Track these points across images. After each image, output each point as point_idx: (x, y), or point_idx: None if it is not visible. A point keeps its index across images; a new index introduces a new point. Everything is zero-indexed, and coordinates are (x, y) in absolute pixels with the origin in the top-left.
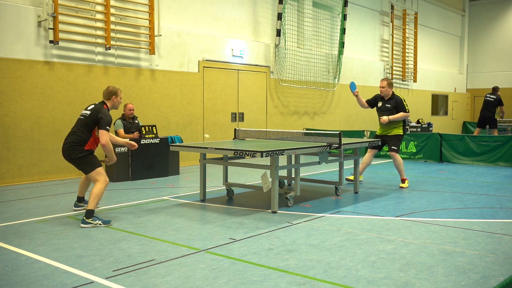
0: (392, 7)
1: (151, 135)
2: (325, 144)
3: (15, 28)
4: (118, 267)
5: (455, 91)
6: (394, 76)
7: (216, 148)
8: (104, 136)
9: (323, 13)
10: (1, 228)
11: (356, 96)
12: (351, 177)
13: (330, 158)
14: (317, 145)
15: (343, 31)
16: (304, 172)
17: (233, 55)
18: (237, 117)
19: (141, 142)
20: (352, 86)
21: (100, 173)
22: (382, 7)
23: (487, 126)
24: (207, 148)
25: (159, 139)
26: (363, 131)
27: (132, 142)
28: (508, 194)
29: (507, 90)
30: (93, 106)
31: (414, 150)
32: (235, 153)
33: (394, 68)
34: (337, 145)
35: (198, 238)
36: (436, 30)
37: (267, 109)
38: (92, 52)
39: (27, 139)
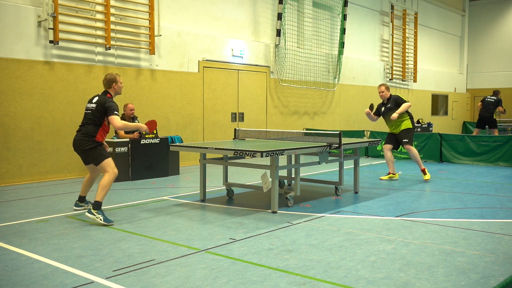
0: (392, 7)
1: (151, 135)
2: (325, 144)
3: (15, 28)
4: (118, 267)
5: (455, 91)
6: (394, 76)
7: (216, 148)
8: (116, 121)
9: (323, 13)
10: (1, 228)
11: (368, 114)
12: (386, 177)
13: (330, 158)
14: (317, 145)
15: (343, 31)
16: (304, 172)
17: (233, 55)
18: (237, 117)
19: (141, 142)
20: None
21: (109, 165)
22: (382, 7)
23: (487, 127)
24: (207, 148)
25: (159, 139)
26: (363, 131)
27: (143, 125)
28: (508, 194)
29: (507, 90)
30: (97, 97)
31: None
32: (235, 153)
33: (394, 68)
34: (337, 145)
35: (198, 238)
36: (436, 30)
37: (267, 109)
38: (92, 52)
39: (27, 139)
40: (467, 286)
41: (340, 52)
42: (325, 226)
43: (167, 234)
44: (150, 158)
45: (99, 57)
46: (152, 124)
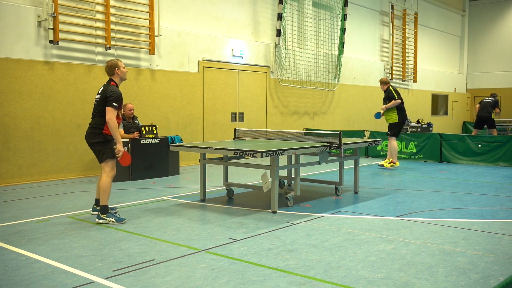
0: (392, 7)
1: (151, 135)
2: (325, 144)
3: (15, 28)
4: (118, 267)
5: (455, 91)
6: (394, 76)
7: (216, 148)
8: (109, 113)
9: (323, 13)
10: (1, 228)
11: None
12: (388, 164)
13: (330, 158)
14: (317, 145)
15: (343, 31)
16: (304, 172)
17: (233, 55)
18: (237, 117)
19: (141, 142)
20: (377, 116)
21: (108, 165)
22: (382, 7)
23: (485, 127)
24: (207, 148)
25: (159, 139)
26: (363, 131)
27: (122, 148)
28: (508, 194)
29: (507, 90)
30: (102, 87)
31: (414, 150)
32: (235, 153)
33: (394, 68)
34: (337, 145)
35: (198, 238)
36: (436, 30)
37: (267, 109)
38: (92, 52)
39: (27, 139)
40: (467, 286)
41: (340, 52)
42: (325, 226)
43: (167, 234)
44: (150, 158)
45: (99, 57)
46: (125, 158)
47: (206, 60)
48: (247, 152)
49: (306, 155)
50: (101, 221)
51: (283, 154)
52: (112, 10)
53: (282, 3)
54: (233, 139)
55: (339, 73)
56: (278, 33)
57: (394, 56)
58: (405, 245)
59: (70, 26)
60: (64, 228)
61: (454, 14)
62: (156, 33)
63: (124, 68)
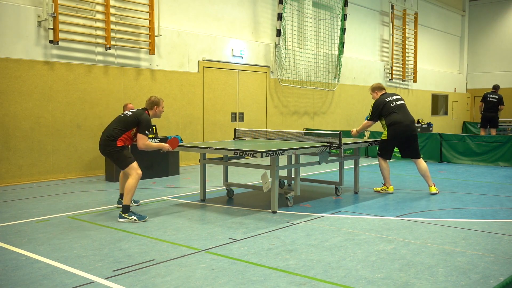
0: (392, 7)
1: (151, 135)
2: (325, 144)
3: (15, 28)
4: (118, 267)
5: (455, 91)
6: (394, 76)
7: (216, 148)
8: (142, 140)
9: (323, 13)
10: (1, 228)
11: None
12: (379, 189)
13: (330, 158)
14: (317, 145)
15: (343, 31)
16: (304, 172)
17: (233, 55)
18: (237, 117)
19: None
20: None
21: (132, 168)
22: (382, 7)
23: (488, 126)
24: (207, 148)
25: (159, 139)
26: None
27: (165, 145)
28: (508, 194)
29: (507, 90)
30: (134, 110)
31: None
32: (235, 153)
33: (394, 68)
34: (337, 145)
35: (198, 238)
36: (436, 30)
37: (267, 109)
38: (92, 52)
39: (27, 139)
40: (467, 286)
41: (340, 52)
42: (325, 226)
43: (167, 234)
44: (150, 158)
45: (99, 57)
46: (173, 142)
47: (206, 60)
48: (247, 152)
49: (306, 155)
50: (123, 220)
51: (283, 154)
52: (112, 10)
53: (282, 3)
54: (233, 139)
55: (339, 73)
56: (278, 33)
57: (394, 56)
58: (405, 245)
59: (70, 26)
60: (64, 228)
61: (454, 14)
62: (156, 33)
63: (163, 108)
